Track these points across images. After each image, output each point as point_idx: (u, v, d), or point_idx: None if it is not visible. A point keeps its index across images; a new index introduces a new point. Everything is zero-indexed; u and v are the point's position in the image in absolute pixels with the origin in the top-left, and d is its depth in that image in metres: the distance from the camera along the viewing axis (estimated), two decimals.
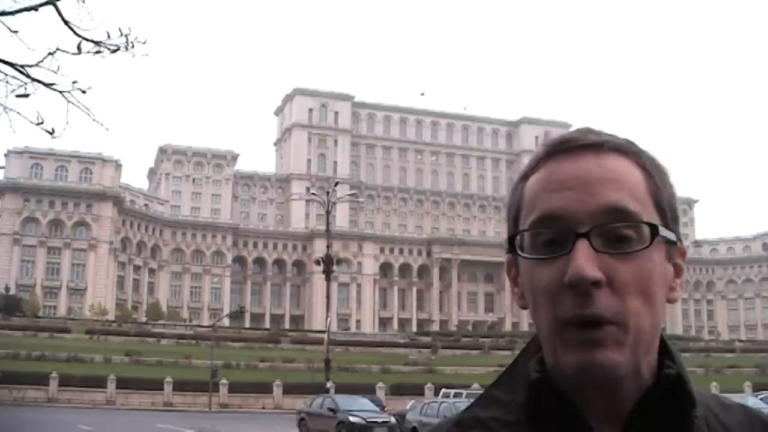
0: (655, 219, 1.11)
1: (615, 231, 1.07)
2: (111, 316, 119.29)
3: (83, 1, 8.34)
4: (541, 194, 1.13)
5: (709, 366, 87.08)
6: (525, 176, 1.19)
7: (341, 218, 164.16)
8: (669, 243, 1.12)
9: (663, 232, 1.10)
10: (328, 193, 51.62)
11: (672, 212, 1.15)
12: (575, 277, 1.04)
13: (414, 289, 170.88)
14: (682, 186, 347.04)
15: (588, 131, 1.17)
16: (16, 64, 8.24)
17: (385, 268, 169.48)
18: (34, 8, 8.35)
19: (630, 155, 1.14)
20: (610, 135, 1.17)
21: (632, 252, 1.07)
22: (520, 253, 1.13)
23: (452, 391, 44.55)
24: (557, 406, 1.12)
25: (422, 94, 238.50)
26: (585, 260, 1.04)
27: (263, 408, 60.73)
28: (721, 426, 1.15)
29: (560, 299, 1.07)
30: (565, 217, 1.09)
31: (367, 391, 51.08)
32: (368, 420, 31.25)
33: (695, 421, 1.08)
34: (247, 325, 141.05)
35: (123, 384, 60.83)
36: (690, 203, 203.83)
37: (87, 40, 8.43)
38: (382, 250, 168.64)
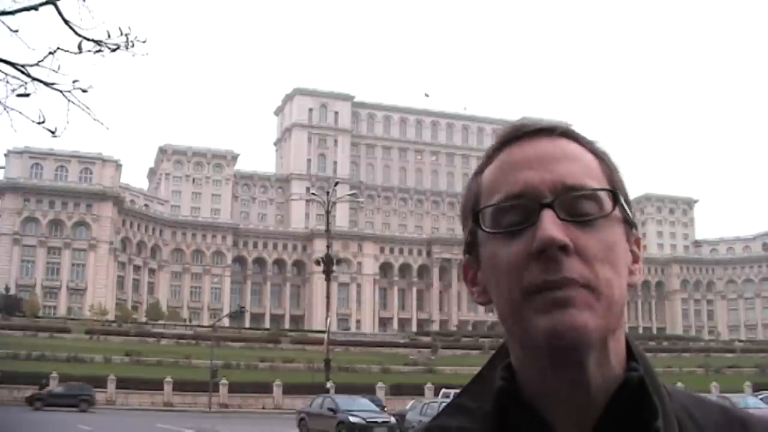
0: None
1: (577, 204, 1.09)
2: (111, 316, 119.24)
3: (83, 1, 8.34)
4: (500, 177, 1.15)
5: (709, 366, 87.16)
6: (479, 171, 1.21)
7: (341, 218, 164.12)
8: (627, 224, 1.14)
9: (622, 201, 1.13)
10: (328, 193, 51.61)
11: (625, 196, 1.16)
12: (544, 240, 1.05)
13: (414, 289, 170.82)
14: (682, 186, 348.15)
15: (537, 120, 1.21)
16: (16, 64, 8.24)
17: (385, 268, 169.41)
18: (35, 8, 8.34)
19: (580, 141, 1.18)
20: (559, 123, 1.20)
21: (595, 219, 1.09)
22: (485, 228, 1.13)
23: (452, 391, 44.44)
24: (523, 415, 1.11)
25: (426, 95, 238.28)
26: (551, 224, 1.06)
27: (263, 408, 60.74)
28: (696, 428, 1.12)
29: (528, 269, 1.07)
30: (527, 193, 1.10)
31: (367, 391, 51.11)
32: (368, 420, 31.19)
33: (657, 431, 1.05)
34: (247, 325, 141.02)
35: (123, 384, 60.86)
36: (690, 203, 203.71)
37: (87, 39, 8.43)
38: (382, 250, 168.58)
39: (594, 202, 1.10)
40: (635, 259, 1.17)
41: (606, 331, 1.07)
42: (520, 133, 1.17)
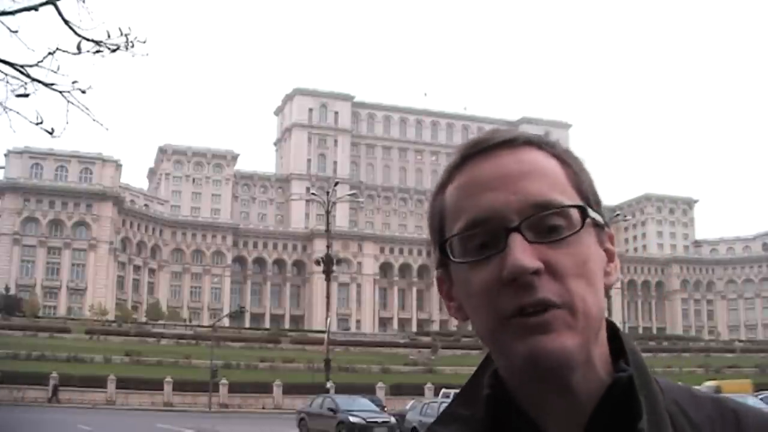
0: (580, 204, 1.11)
1: (545, 221, 1.07)
2: (111, 316, 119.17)
3: (83, 1, 8.34)
4: (464, 200, 1.11)
5: (709, 366, 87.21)
6: (442, 187, 1.18)
7: (341, 218, 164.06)
8: (598, 227, 1.12)
9: (592, 213, 1.10)
10: (328, 193, 51.57)
11: (594, 197, 1.14)
12: (514, 269, 1.02)
13: (414, 289, 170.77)
14: (682, 186, 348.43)
15: (497, 131, 1.16)
16: (16, 64, 8.23)
17: (385, 268, 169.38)
18: (34, 8, 8.33)
19: (543, 147, 1.14)
20: (520, 132, 1.16)
21: (566, 237, 1.06)
22: (453, 258, 1.11)
23: (452, 391, 44.37)
24: (514, 420, 1.11)
25: (425, 95, 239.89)
26: (521, 252, 1.03)
27: (263, 408, 60.71)
28: (689, 424, 1.11)
29: (500, 296, 1.05)
30: (492, 217, 1.07)
31: (367, 391, 51.05)
32: (368, 420, 31.17)
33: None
34: (247, 325, 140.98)
35: (123, 384, 60.80)
36: (690, 203, 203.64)
37: (87, 39, 8.42)
38: (382, 250, 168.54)
39: (562, 217, 1.08)
40: (610, 258, 1.15)
41: (587, 344, 1.06)
42: (480, 148, 1.14)
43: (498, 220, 1.07)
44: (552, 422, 1.09)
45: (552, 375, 1.05)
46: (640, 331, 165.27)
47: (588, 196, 1.12)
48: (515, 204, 1.07)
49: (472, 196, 1.10)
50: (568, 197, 1.09)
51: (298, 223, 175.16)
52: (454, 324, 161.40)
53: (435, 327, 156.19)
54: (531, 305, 1.03)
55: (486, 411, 1.13)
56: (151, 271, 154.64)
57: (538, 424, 1.09)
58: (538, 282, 1.03)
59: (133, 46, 8.68)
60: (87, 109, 8.44)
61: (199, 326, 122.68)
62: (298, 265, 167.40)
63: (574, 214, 1.08)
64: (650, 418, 1.05)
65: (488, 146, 1.13)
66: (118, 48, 8.63)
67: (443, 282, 1.19)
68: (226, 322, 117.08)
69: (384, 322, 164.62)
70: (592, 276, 1.08)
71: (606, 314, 1.12)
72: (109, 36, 8.52)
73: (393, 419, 33.08)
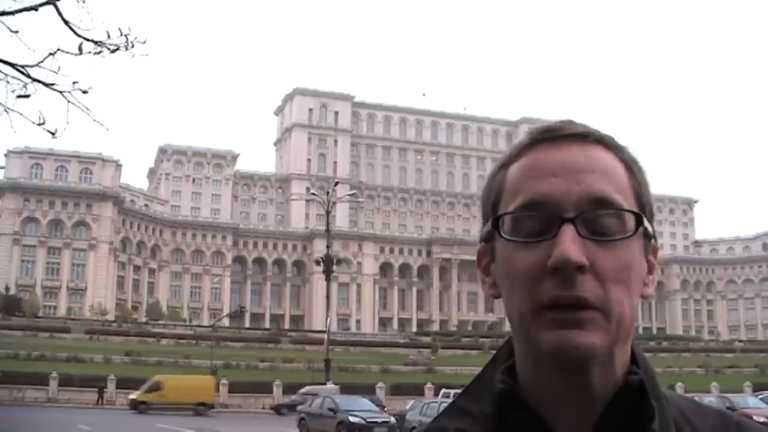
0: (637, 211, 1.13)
1: (599, 219, 1.08)
2: (111, 316, 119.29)
3: (83, 1, 8.34)
4: (526, 180, 1.13)
5: (709, 366, 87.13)
6: (505, 164, 1.19)
7: (341, 218, 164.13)
8: (646, 238, 1.14)
9: (645, 222, 1.12)
10: (328, 193, 51.71)
11: (650, 209, 1.16)
12: (561, 259, 1.04)
13: (414, 289, 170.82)
14: (682, 186, 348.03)
15: (572, 123, 1.18)
16: (16, 65, 8.23)
17: (385, 268, 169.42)
18: (34, 8, 8.33)
19: (613, 149, 1.16)
20: (594, 128, 1.18)
21: (616, 240, 1.08)
22: (503, 235, 1.12)
23: (452, 391, 44.48)
24: (524, 417, 1.11)
25: (424, 95, 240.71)
26: (570, 244, 1.05)
27: (263, 408, 60.68)
28: (693, 431, 1.14)
29: (541, 283, 1.07)
30: (550, 203, 1.09)
31: (367, 391, 51.04)
32: (368, 420, 31.22)
33: None
34: (247, 325, 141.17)
35: (123, 384, 60.75)
36: (690, 203, 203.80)
37: (87, 40, 8.42)
38: (382, 250, 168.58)
39: (617, 220, 1.09)
40: (650, 269, 1.16)
41: (613, 346, 1.08)
42: (552, 136, 1.16)
43: (555, 207, 1.09)
44: (562, 420, 1.10)
45: (574, 368, 1.06)
46: (640, 331, 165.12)
47: (644, 207, 1.14)
48: (575, 196, 1.09)
49: (534, 179, 1.12)
50: (627, 202, 1.11)
51: (298, 223, 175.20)
52: (454, 324, 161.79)
53: (435, 327, 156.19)
54: (567, 299, 1.05)
55: (495, 406, 1.13)
56: (151, 271, 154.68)
57: (547, 422, 1.10)
58: (580, 278, 1.05)
59: (133, 47, 8.68)
60: (87, 109, 8.44)
61: (199, 326, 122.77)
62: (298, 265, 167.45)
63: (629, 219, 1.10)
64: (660, 422, 1.08)
65: (560, 135, 1.15)
66: (118, 48, 8.63)
67: (484, 256, 1.21)
68: (226, 322, 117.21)
69: (384, 322, 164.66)
70: (631, 282, 1.09)
71: None
72: (109, 36, 8.52)
73: (393, 419, 33.11)
